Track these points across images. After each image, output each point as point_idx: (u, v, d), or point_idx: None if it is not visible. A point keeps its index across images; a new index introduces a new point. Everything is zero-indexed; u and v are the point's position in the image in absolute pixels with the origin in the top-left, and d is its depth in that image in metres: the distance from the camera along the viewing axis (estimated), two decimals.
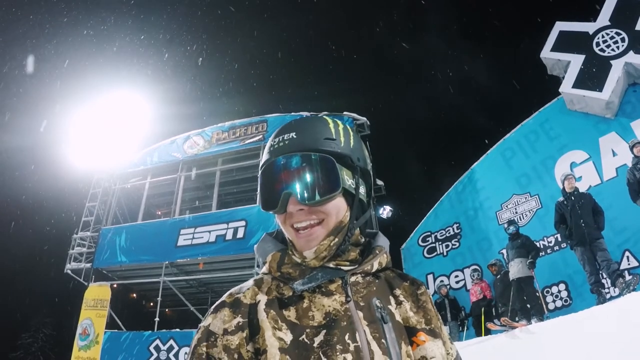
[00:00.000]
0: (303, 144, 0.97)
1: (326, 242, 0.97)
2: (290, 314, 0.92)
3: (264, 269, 1.04)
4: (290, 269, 0.98)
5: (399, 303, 1.01)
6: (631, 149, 7.29)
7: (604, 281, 6.83)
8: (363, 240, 1.07)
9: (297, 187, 0.95)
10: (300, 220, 0.96)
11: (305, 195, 0.95)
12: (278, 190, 0.96)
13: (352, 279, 0.99)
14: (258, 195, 0.86)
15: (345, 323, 0.90)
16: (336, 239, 0.99)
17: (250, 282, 1.01)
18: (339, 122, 1.05)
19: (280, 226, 1.03)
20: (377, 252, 1.04)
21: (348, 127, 1.06)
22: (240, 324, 0.91)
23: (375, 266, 1.03)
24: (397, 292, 1.03)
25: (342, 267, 0.98)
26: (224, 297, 0.98)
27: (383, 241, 1.09)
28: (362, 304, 0.95)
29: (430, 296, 1.08)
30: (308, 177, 0.95)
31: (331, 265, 0.98)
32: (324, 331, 0.89)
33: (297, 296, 0.95)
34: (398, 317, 0.98)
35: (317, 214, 0.96)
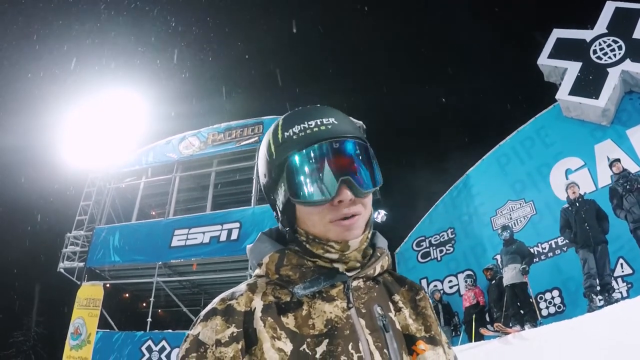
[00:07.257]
0: (348, 131, 0.89)
1: (366, 233, 0.93)
2: (289, 321, 0.85)
3: (259, 271, 0.95)
4: (290, 271, 0.91)
5: (398, 310, 0.95)
6: (610, 167, 7.49)
7: (597, 288, 6.85)
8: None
9: (357, 174, 0.87)
10: (348, 211, 0.87)
11: (363, 183, 0.87)
12: (330, 176, 0.86)
13: (354, 283, 0.92)
14: (293, 185, 0.75)
15: (347, 332, 0.84)
16: (369, 234, 0.95)
17: (243, 286, 0.92)
18: None
19: (308, 219, 0.91)
20: (379, 254, 0.97)
21: None
22: (234, 334, 0.83)
23: (378, 269, 0.96)
24: (396, 297, 0.97)
25: (346, 272, 0.91)
26: (214, 304, 0.88)
27: (382, 241, 1.02)
28: (363, 310, 0.89)
29: (429, 300, 1.01)
30: (363, 165, 0.89)
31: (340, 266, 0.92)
32: (326, 340, 0.83)
33: (296, 301, 0.88)
34: (398, 325, 0.92)
35: (360, 205, 0.89)
